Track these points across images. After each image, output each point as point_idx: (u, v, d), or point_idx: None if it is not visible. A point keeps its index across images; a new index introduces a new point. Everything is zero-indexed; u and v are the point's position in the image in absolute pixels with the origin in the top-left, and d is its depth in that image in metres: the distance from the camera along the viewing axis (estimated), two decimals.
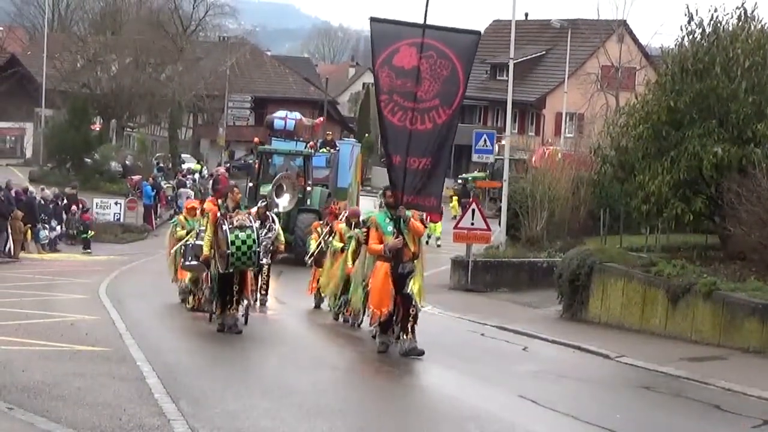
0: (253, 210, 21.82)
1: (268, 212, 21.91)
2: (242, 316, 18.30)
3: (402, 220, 16.23)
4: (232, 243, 17.39)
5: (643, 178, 23.07)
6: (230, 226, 17.50)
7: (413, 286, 16.26)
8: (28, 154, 73.26)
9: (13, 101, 70.87)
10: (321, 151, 38.66)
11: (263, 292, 22.40)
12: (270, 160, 36.23)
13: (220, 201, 18.31)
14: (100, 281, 26.74)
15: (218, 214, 17.78)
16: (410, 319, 16.27)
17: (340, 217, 22.59)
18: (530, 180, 34.36)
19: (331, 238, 22.08)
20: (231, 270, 17.70)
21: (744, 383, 15.22)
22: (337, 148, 40.50)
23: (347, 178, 40.20)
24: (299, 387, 13.79)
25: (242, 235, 17.49)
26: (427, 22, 16.45)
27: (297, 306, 23.42)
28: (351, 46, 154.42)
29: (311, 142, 36.94)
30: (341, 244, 21.18)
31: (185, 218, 22.43)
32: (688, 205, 22.69)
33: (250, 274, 18.59)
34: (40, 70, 69.05)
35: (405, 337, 16.29)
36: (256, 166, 36.86)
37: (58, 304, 21.73)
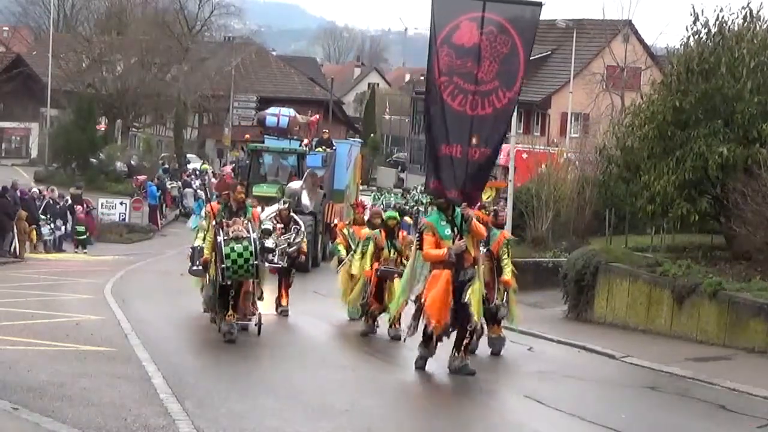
0: (272, 210, 21.20)
1: (292, 214, 20.91)
2: (255, 325, 17.86)
3: (464, 219, 14.76)
4: (227, 257, 16.43)
5: (648, 178, 23.05)
6: (225, 237, 16.56)
7: (471, 296, 14.84)
8: (34, 154, 73.28)
9: (18, 101, 70.91)
10: (317, 150, 36.60)
11: (285, 302, 21.08)
12: (260, 159, 34.59)
13: (221, 203, 17.45)
14: (105, 281, 26.73)
15: (214, 222, 16.88)
16: (467, 335, 15.01)
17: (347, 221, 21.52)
18: (535, 180, 34.34)
19: (335, 243, 21.29)
20: (228, 282, 16.88)
21: (749, 383, 15.22)
22: (334, 147, 38.26)
23: (344, 179, 38.29)
24: (305, 387, 13.80)
25: (238, 247, 16.49)
26: None
27: (301, 307, 23.40)
28: (356, 46, 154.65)
29: (306, 140, 35.36)
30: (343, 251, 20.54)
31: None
32: (694, 206, 22.66)
33: (250, 284, 17.55)
34: (46, 70, 69.10)
35: (456, 354, 15.11)
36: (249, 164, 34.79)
37: (63, 304, 21.73)
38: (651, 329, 20.81)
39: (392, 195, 54.72)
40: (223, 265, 16.42)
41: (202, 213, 20.40)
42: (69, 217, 41.40)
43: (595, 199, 31.88)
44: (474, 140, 14.90)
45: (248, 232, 16.74)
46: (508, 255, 17.69)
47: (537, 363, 17.50)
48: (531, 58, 16.13)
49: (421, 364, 15.22)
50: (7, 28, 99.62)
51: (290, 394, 13.24)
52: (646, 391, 15.28)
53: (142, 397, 12.35)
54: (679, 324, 20.10)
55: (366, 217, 21.53)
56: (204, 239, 17.91)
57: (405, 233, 19.64)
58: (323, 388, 13.75)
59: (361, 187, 45.40)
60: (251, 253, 16.54)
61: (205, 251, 17.33)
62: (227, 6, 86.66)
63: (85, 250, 39.79)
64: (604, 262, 22.61)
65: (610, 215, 29.12)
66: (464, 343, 15.02)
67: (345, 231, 21.41)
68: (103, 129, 69.42)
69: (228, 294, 17.08)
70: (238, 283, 17.11)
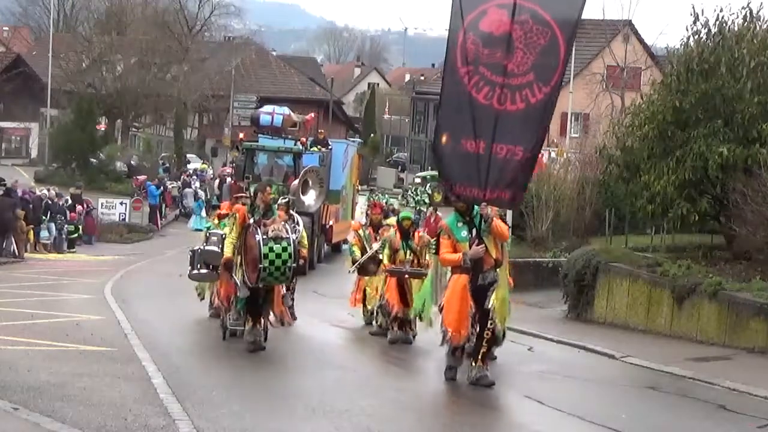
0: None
1: (291, 211, 20.52)
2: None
3: (483, 220, 13.81)
4: (265, 257, 15.47)
5: (648, 178, 23.07)
6: (264, 236, 15.60)
7: (495, 301, 13.90)
8: (34, 154, 73.31)
9: (18, 101, 70.90)
10: (312, 149, 35.00)
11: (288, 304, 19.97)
12: (255, 158, 33.50)
13: (247, 205, 16.48)
14: (105, 281, 26.73)
15: (251, 220, 15.99)
16: (483, 343, 13.99)
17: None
18: (535, 180, 34.35)
19: (350, 244, 20.87)
20: (260, 285, 15.85)
21: (749, 383, 15.21)
22: (330, 147, 37.04)
23: (341, 179, 37.44)
24: (305, 387, 13.79)
25: (277, 247, 15.53)
26: None
27: (301, 308, 23.40)
28: (356, 46, 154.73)
29: (302, 139, 34.08)
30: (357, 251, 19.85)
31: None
32: (694, 205, 22.68)
33: (279, 289, 16.72)
34: (46, 70, 69.15)
35: (473, 364, 14.08)
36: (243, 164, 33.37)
37: (63, 304, 21.74)
38: (651, 329, 20.82)
39: (386, 196, 54.11)
40: (261, 265, 15.55)
41: (204, 213, 19.98)
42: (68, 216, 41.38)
43: (595, 199, 31.90)
44: (498, 137, 13.65)
45: (287, 232, 15.88)
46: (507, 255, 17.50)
47: (537, 363, 17.49)
48: None
49: (451, 375, 14.37)
50: (7, 28, 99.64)
51: (290, 394, 13.24)
52: (646, 391, 15.28)
53: (142, 396, 12.35)
54: (679, 324, 20.10)
55: (382, 219, 20.77)
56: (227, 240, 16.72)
57: (420, 233, 19.07)
58: (323, 388, 13.75)
59: (359, 188, 45.10)
60: (290, 254, 15.68)
61: (227, 251, 16.27)
62: (227, 6, 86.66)
63: (73, 249, 39.71)
64: (604, 262, 22.62)
65: (610, 215, 29.12)
66: (482, 352, 14.05)
67: (360, 232, 20.59)
68: (103, 129, 69.44)
69: (257, 299, 16.22)
70: (268, 288, 16.21)
